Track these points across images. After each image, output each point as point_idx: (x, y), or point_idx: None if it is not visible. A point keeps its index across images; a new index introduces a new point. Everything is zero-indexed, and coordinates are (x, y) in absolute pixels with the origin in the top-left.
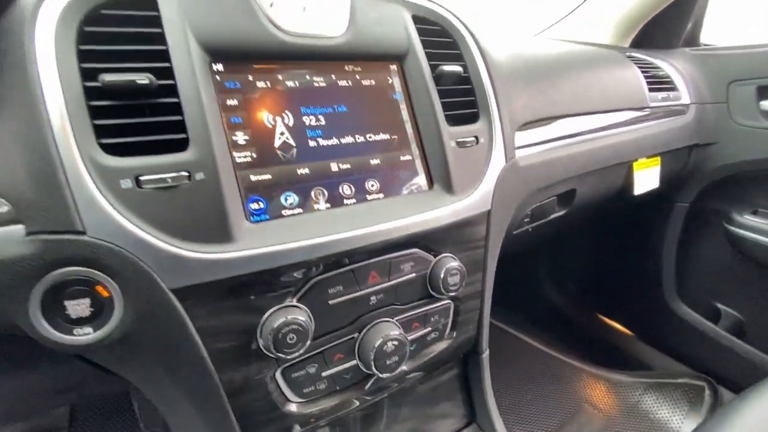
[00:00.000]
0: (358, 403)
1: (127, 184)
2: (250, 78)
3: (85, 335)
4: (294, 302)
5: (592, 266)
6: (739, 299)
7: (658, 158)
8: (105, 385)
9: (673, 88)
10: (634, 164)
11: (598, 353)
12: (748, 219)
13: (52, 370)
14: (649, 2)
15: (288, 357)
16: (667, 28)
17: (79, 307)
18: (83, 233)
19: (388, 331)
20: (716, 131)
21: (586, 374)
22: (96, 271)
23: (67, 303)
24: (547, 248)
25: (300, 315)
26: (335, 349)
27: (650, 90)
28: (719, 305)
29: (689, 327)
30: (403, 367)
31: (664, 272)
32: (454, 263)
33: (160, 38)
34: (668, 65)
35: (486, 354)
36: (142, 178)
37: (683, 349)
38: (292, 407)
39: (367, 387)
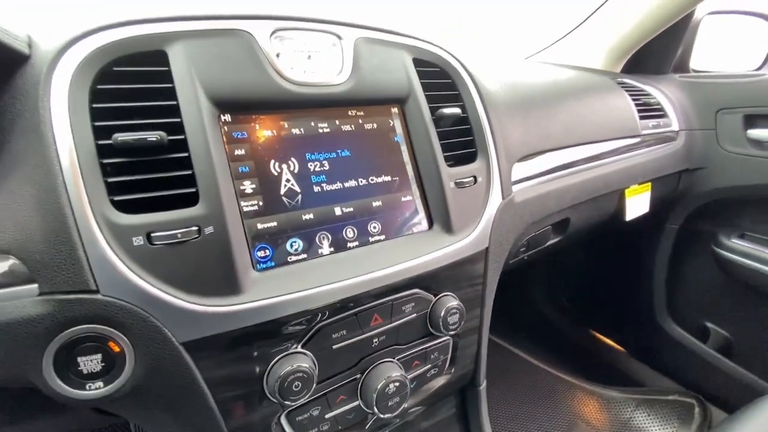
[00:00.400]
0: None
1: (139, 241)
2: (257, 127)
3: (97, 390)
4: (299, 348)
5: (586, 284)
6: (727, 319)
7: (649, 184)
8: (109, 420)
9: (664, 115)
10: (626, 191)
11: (592, 369)
12: (736, 242)
13: (56, 418)
14: (641, 30)
15: (293, 403)
16: (657, 55)
17: (91, 363)
18: (96, 292)
19: (390, 373)
20: (704, 157)
21: (579, 390)
22: (108, 328)
23: (79, 359)
24: (543, 267)
25: (304, 362)
26: (338, 392)
27: (641, 117)
28: (708, 324)
29: (679, 345)
30: (404, 405)
31: (655, 291)
32: (454, 302)
33: (171, 93)
34: (658, 92)
35: (483, 386)
36: (153, 234)
37: (673, 366)
38: None
39: (367, 426)
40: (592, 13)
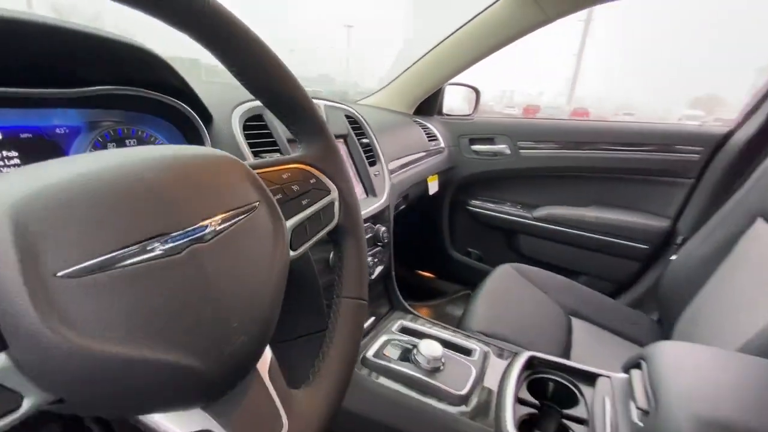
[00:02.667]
0: None
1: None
2: None
3: None
4: None
5: (412, 241)
6: (477, 244)
7: (436, 175)
8: None
9: (436, 139)
10: (428, 179)
11: (422, 294)
12: (474, 202)
13: None
14: (422, 90)
15: None
16: (429, 105)
17: None
18: None
19: (369, 258)
20: (456, 160)
21: (419, 307)
22: None
23: None
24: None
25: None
26: None
27: (428, 140)
28: (469, 249)
29: (459, 263)
30: (372, 277)
31: (445, 235)
32: (383, 228)
33: (270, 134)
34: (432, 126)
35: (393, 274)
36: None
37: (458, 276)
38: None
39: None
40: (395, 78)
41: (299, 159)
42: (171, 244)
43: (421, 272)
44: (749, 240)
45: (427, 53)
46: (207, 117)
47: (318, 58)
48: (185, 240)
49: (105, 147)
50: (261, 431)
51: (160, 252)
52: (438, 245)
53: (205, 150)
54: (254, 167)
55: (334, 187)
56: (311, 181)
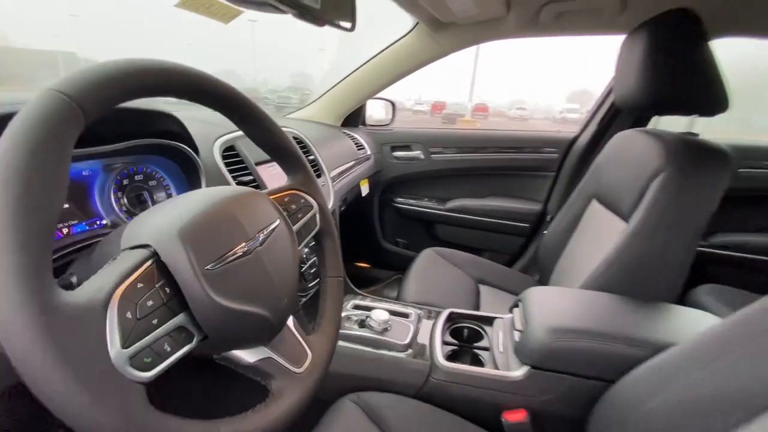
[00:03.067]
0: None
1: None
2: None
3: None
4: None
5: (350, 236)
6: (404, 234)
7: (367, 179)
8: None
9: (364, 147)
10: (360, 183)
11: (361, 282)
12: (399, 199)
13: None
14: (347, 107)
15: (304, 260)
16: (355, 117)
17: None
18: None
19: None
20: (381, 165)
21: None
22: None
23: None
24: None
25: (306, 248)
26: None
27: (357, 149)
28: (398, 239)
29: (389, 252)
30: None
31: (377, 230)
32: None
33: (242, 160)
34: (358, 136)
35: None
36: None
37: (390, 263)
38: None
39: None
40: (322, 96)
41: (291, 186)
42: (246, 248)
43: (358, 263)
44: (588, 215)
45: (349, 75)
46: (196, 151)
47: (222, 53)
48: (252, 245)
49: (122, 183)
50: (297, 358)
51: (241, 253)
52: (371, 238)
53: (245, 189)
54: (269, 194)
55: (315, 203)
56: (301, 201)
